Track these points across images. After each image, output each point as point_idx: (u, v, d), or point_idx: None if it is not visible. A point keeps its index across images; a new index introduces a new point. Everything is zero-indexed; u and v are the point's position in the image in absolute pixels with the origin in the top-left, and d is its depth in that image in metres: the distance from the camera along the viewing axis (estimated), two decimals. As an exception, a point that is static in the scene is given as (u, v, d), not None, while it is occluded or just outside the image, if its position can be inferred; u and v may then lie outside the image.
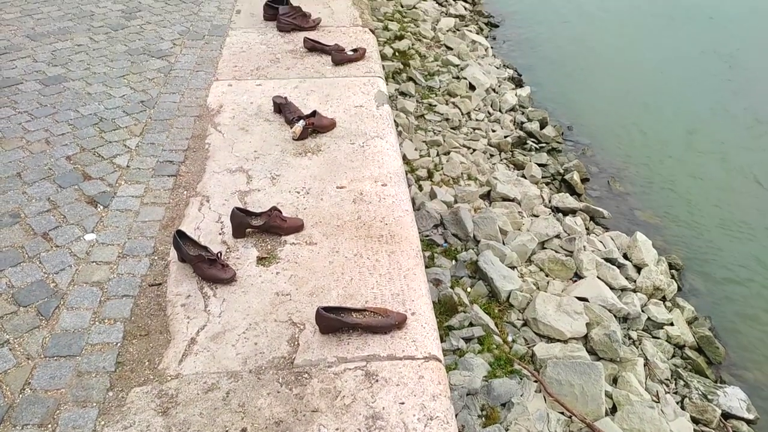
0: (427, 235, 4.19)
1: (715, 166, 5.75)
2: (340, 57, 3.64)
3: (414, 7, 8.48)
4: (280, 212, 2.50)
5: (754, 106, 6.73)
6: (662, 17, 8.99)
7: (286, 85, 3.50)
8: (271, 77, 3.59)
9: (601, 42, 8.13)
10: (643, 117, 6.50)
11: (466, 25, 8.39)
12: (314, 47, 3.78)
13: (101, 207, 2.65)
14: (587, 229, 4.70)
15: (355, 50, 3.71)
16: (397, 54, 7.08)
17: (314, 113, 3.07)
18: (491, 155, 5.79)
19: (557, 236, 4.40)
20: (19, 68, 3.61)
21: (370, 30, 4.17)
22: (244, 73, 3.64)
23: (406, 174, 4.95)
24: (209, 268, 2.28)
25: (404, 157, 5.20)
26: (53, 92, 3.40)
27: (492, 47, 7.89)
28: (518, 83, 7.12)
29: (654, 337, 3.78)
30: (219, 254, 2.31)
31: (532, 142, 6.00)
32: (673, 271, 4.37)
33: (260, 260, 2.40)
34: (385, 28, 7.56)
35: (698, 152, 5.97)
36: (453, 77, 6.94)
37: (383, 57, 6.64)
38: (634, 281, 4.12)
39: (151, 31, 4.12)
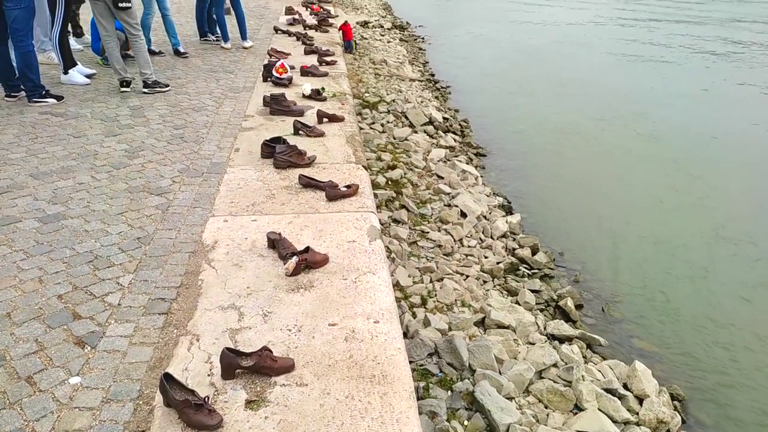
0: (422, 365, 4.10)
1: (710, 290, 5.77)
2: (333, 193, 3.76)
3: (406, 139, 8.89)
4: (271, 352, 2.46)
5: (749, 226, 6.87)
6: (645, 141, 9.44)
7: (281, 221, 3.59)
8: (266, 213, 3.68)
9: (587, 171, 8.46)
10: (633, 242, 6.62)
11: (456, 156, 8.75)
12: (309, 184, 3.92)
13: (89, 348, 2.60)
14: (584, 357, 4.62)
15: (348, 186, 3.85)
16: (390, 183, 7.32)
17: (307, 249, 3.12)
18: (484, 281, 5.81)
19: (554, 365, 4.31)
20: (20, 206, 3.70)
21: (363, 167, 4.35)
22: (240, 208, 3.74)
23: (399, 301, 4.95)
24: (195, 414, 2.20)
25: (397, 284, 5.21)
26: (51, 230, 3.46)
27: (482, 176, 8.19)
28: (508, 210, 7.32)
29: (663, 476, 3.60)
30: (206, 399, 2.24)
31: (525, 268, 6.05)
32: (675, 402, 4.24)
33: (249, 404, 2.33)
34: (378, 159, 7.87)
35: (691, 275, 6.01)
36: (445, 205, 7.13)
37: (376, 186, 6.86)
38: (637, 413, 3.98)
39: (152, 169, 4.28)
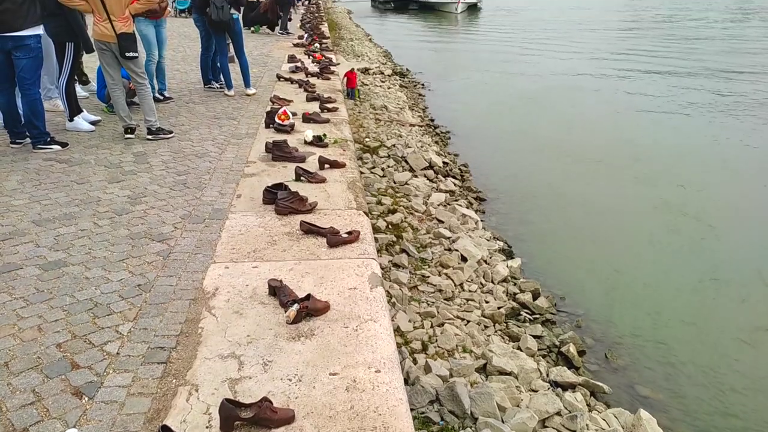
0: (423, 412, 4.04)
1: (712, 334, 5.72)
2: (335, 239, 3.78)
3: (406, 183, 8.96)
4: (271, 403, 2.43)
5: (747, 270, 6.86)
6: (643, 186, 9.50)
7: (282, 267, 3.59)
8: (267, 259, 3.68)
9: (587, 216, 8.50)
10: (634, 286, 6.59)
11: (456, 200, 8.81)
12: (310, 230, 3.93)
13: (86, 398, 2.57)
14: (588, 405, 4.55)
15: (349, 233, 3.86)
16: (390, 227, 7.34)
17: (308, 296, 3.11)
18: (485, 327, 5.77)
19: (558, 413, 4.25)
20: (21, 253, 3.71)
21: (364, 213, 4.37)
22: (242, 255, 3.75)
23: (400, 347, 4.90)
24: (194, 468, 2.16)
25: (398, 329, 5.17)
26: (51, 277, 3.46)
27: (482, 220, 8.22)
28: (509, 255, 7.32)
29: None
30: (205, 452, 2.20)
31: (526, 313, 6.02)
32: (682, 452, 4.16)
33: (248, 457, 2.28)
34: (379, 203, 7.92)
35: (694, 320, 5.97)
36: (445, 249, 7.14)
37: (377, 230, 6.89)
38: (644, 465, 3.90)
39: (154, 215, 4.30)
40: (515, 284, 6.56)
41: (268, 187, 4.52)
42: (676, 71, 22.13)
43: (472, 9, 52.88)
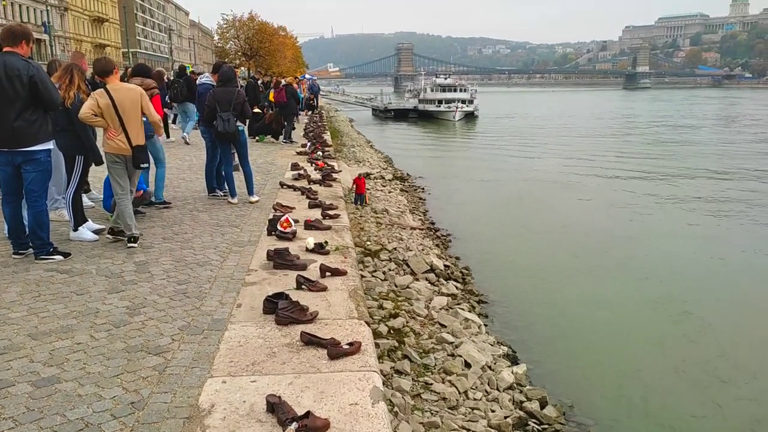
0: None
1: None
2: (335, 351, 3.70)
3: (407, 287, 8.92)
4: None
5: (747, 364, 6.68)
6: (643, 282, 9.44)
7: (281, 381, 3.49)
8: (266, 373, 3.59)
9: (591, 318, 8.39)
10: (644, 392, 6.38)
11: (458, 303, 8.74)
12: (311, 341, 3.87)
13: None
14: None
15: (350, 344, 3.80)
16: (392, 332, 7.22)
17: (308, 414, 3.00)
18: (493, 439, 5.53)
19: None
20: (14, 369, 3.62)
21: (366, 322, 4.32)
22: (240, 368, 3.65)
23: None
24: None
25: (402, 444, 4.94)
26: (43, 395, 3.35)
27: (485, 324, 8.11)
28: (513, 360, 7.15)
29: None
30: None
31: (534, 423, 5.79)
32: None
33: None
34: (380, 307, 7.84)
35: (707, 420, 5.74)
36: (448, 355, 6.99)
37: (378, 335, 6.75)
38: None
39: (152, 327, 4.24)
40: (521, 392, 6.36)
41: (268, 296, 4.49)
42: (662, 172, 22.86)
43: (469, 116, 55.21)
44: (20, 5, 61.16)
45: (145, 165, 6.19)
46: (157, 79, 17.36)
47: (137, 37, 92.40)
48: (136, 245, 6.11)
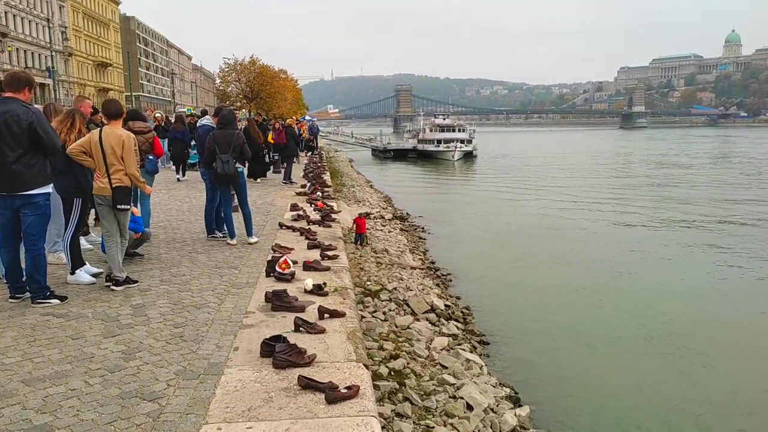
0: None
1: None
2: (333, 396, 3.63)
3: (408, 327, 8.83)
4: None
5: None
6: (645, 322, 9.34)
7: (278, 428, 3.41)
8: (262, 418, 3.51)
9: (594, 359, 8.28)
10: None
11: (459, 344, 8.63)
12: (308, 385, 3.80)
13: None
14: None
15: (349, 388, 3.73)
16: (392, 373, 7.11)
17: (304, 461, 2.93)
18: (497, 486, 5.38)
19: None
20: (6, 416, 3.55)
21: (364, 365, 4.25)
22: (236, 414, 3.58)
23: None
24: None
25: (403, 493, 4.81)
26: (35, 444, 3.28)
27: (486, 365, 7.98)
28: (516, 402, 7.02)
29: None
30: None
31: (539, 468, 5.64)
32: None
33: None
34: (380, 348, 7.74)
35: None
36: (449, 396, 6.86)
37: (378, 377, 6.64)
38: None
39: (147, 372, 4.17)
40: (525, 436, 6.23)
41: (266, 339, 4.44)
42: (657, 208, 22.92)
43: (468, 156, 55.67)
44: (25, 51, 62.38)
45: (123, 207, 6.13)
46: (179, 122, 17.63)
47: (140, 81, 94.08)
48: (119, 289, 6.07)
